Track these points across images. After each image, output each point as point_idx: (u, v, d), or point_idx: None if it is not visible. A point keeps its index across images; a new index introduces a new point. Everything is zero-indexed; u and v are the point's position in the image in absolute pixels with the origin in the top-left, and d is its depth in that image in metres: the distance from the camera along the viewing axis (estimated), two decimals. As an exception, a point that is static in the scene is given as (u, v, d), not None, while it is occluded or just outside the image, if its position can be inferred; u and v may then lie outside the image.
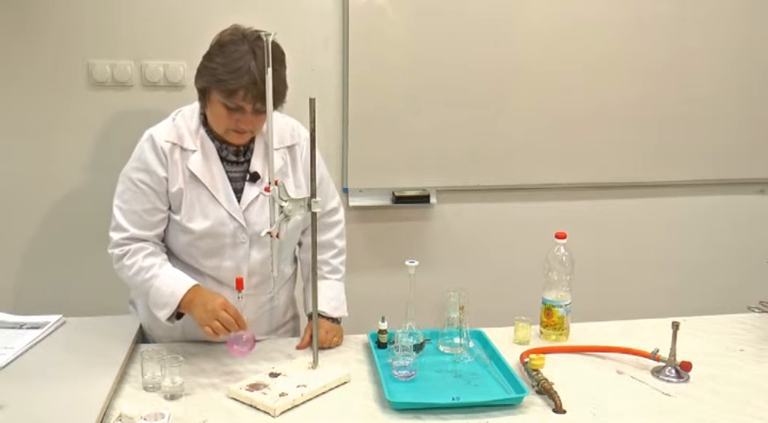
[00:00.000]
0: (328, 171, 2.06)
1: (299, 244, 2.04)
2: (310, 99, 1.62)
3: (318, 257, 1.85)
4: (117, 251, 1.82)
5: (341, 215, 2.07)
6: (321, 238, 1.98)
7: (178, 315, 1.81)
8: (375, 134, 2.64)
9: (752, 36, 2.81)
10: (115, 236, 1.82)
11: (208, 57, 1.76)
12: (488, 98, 2.68)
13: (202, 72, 1.76)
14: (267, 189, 1.67)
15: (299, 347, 1.91)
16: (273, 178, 1.68)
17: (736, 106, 2.86)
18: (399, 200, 2.70)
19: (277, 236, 1.69)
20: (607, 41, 2.71)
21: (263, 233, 1.71)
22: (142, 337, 1.97)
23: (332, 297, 1.98)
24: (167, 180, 1.80)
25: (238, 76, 1.68)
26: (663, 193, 2.94)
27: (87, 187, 2.49)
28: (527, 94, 2.70)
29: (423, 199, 2.72)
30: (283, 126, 1.90)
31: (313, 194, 1.71)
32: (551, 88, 2.71)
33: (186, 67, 2.43)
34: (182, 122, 1.84)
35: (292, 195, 1.69)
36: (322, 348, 1.85)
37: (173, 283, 1.78)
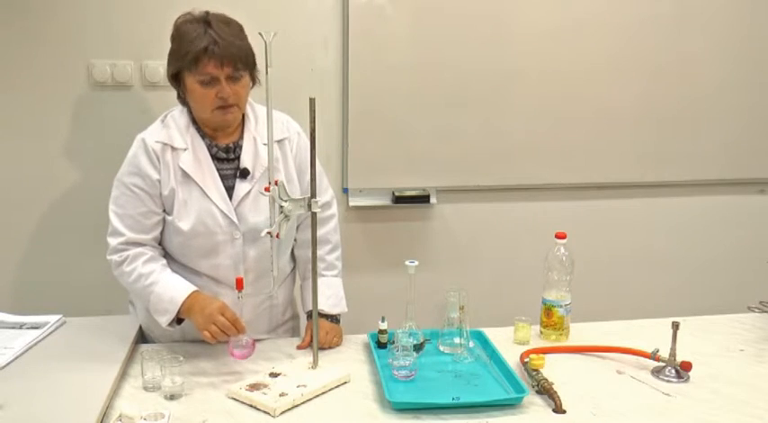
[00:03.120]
0: (327, 170, 2.05)
1: (294, 240, 2.04)
2: (310, 99, 1.62)
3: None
4: (116, 257, 1.82)
5: (334, 209, 2.07)
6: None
7: (179, 320, 1.81)
8: (375, 134, 2.63)
9: (752, 36, 2.80)
10: (113, 241, 1.83)
11: (170, 50, 1.80)
12: (488, 98, 2.68)
13: (169, 62, 1.81)
14: (267, 189, 1.67)
15: (299, 348, 1.91)
16: (273, 178, 1.68)
17: (737, 106, 2.86)
18: (399, 200, 2.70)
19: (277, 236, 1.69)
20: (607, 41, 2.71)
21: (263, 233, 1.71)
22: (142, 337, 1.97)
23: (330, 294, 1.98)
24: (160, 182, 1.81)
25: (197, 43, 1.72)
26: (663, 193, 2.93)
27: (87, 187, 2.49)
28: (527, 94, 2.70)
29: (423, 199, 2.72)
30: (273, 120, 1.90)
31: (313, 194, 1.71)
32: (551, 88, 2.71)
33: (186, 67, 2.43)
34: (171, 122, 1.86)
35: (291, 195, 1.69)
36: (322, 348, 1.85)
37: (172, 289, 1.79)
